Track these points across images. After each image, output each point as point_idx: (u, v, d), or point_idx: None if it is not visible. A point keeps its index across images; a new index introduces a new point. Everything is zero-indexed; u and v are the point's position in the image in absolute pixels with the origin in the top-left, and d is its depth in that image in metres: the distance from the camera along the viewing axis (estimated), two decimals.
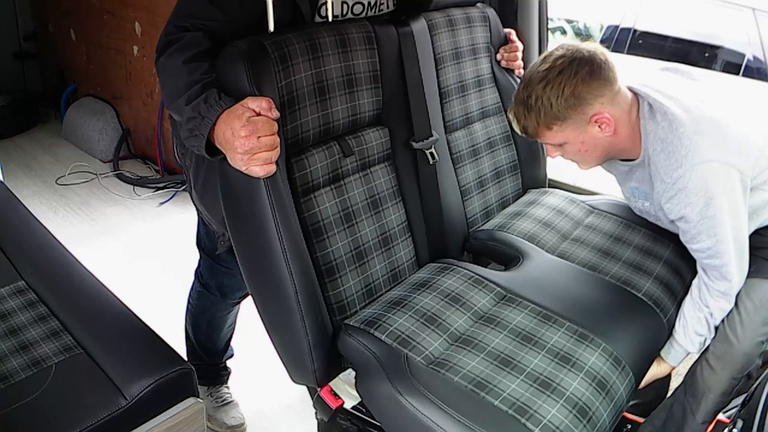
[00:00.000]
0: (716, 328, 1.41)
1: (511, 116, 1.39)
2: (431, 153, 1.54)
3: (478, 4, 1.80)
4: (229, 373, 1.94)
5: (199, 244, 1.68)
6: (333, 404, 1.38)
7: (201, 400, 1.34)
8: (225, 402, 1.90)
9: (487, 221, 1.76)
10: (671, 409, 1.49)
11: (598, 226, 1.68)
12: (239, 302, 1.77)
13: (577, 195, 1.84)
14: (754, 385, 1.29)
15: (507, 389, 1.18)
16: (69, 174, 3.46)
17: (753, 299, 1.37)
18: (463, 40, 1.70)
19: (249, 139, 1.12)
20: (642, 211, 1.53)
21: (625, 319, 1.39)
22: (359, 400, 1.53)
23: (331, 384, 1.38)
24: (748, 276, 1.38)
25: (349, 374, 1.37)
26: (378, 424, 1.40)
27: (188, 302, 1.82)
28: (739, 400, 1.41)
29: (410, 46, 1.53)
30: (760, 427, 1.10)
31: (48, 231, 1.83)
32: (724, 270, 1.33)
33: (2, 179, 2.41)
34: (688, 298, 1.44)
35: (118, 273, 2.12)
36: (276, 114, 1.16)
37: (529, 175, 1.89)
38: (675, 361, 1.45)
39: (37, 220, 1.89)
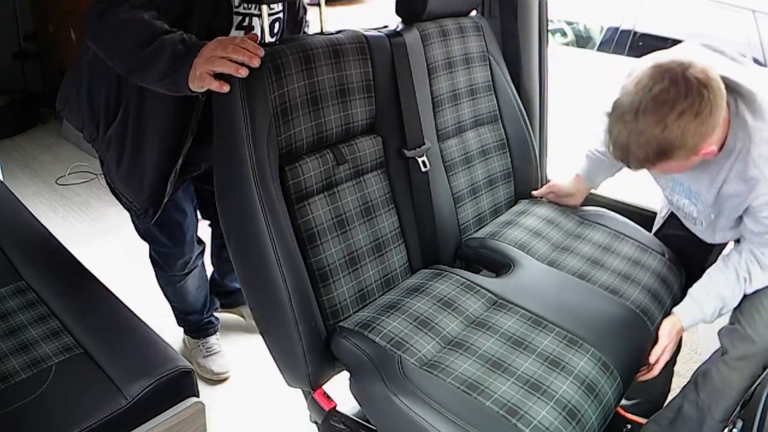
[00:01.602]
0: (739, 305, 1.40)
1: (612, 148, 1.24)
2: (423, 161, 1.57)
3: (471, 15, 1.83)
4: (217, 324, 2.14)
5: (136, 228, 1.84)
6: (326, 406, 1.40)
7: (201, 401, 1.34)
8: (214, 352, 2.09)
9: (480, 228, 1.78)
10: (681, 410, 1.48)
11: (588, 236, 1.71)
12: (187, 274, 1.94)
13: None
14: (754, 385, 1.30)
15: (498, 391, 1.21)
16: (69, 174, 3.46)
17: None
18: (456, 49, 1.72)
19: (217, 48, 1.19)
20: (678, 207, 1.51)
21: (613, 326, 1.42)
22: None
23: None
24: None
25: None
26: (371, 426, 1.41)
27: (157, 280, 2.02)
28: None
29: (403, 56, 1.55)
30: (760, 427, 1.11)
31: (48, 231, 1.83)
32: None
33: (2, 179, 2.42)
34: (716, 266, 1.43)
35: (118, 273, 2.12)
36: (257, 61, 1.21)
37: (523, 182, 1.90)
38: (687, 320, 1.43)
39: (37, 220, 1.89)
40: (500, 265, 1.61)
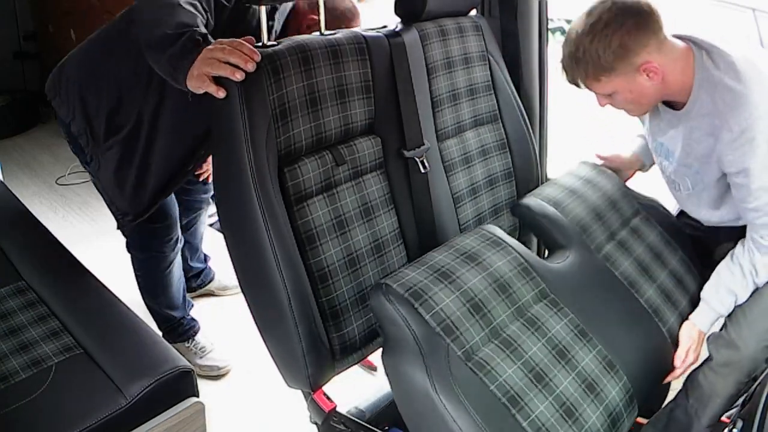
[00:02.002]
0: (754, 291, 1.40)
1: (561, 69, 1.41)
2: (422, 161, 1.56)
3: (471, 14, 1.82)
4: (198, 323, 2.20)
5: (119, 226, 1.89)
6: (326, 407, 1.40)
7: (201, 401, 1.34)
8: (208, 350, 2.15)
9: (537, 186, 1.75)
10: (673, 414, 1.49)
11: (643, 234, 1.65)
12: (174, 254, 2.02)
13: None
14: (754, 385, 1.30)
15: (536, 410, 1.17)
16: (69, 174, 3.46)
17: (760, 304, 1.39)
18: (455, 49, 1.72)
19: (215, 50, 1.21)
20: (662, 171, 1.54)
21: (647, 353, 1.42)
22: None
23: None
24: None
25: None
26: (371, 427, 1.41)
27: (137, 280, 2.06)
28: (739, 400, 1.41)
29: (402, 56, 1.55)
30: (760, 427, 1.11)
31: (48, 231, 1.83)
32: None
33: (2, 179, 2.42)
34: (723, 262, 1.44)
35: (118, 273, 2.12)
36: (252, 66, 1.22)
37: (525, 181, 1.90)
38: (703, 323, 1.45)
39: (37, 220, 1.89)
40: (556, 244, 1.54)
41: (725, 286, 1.41)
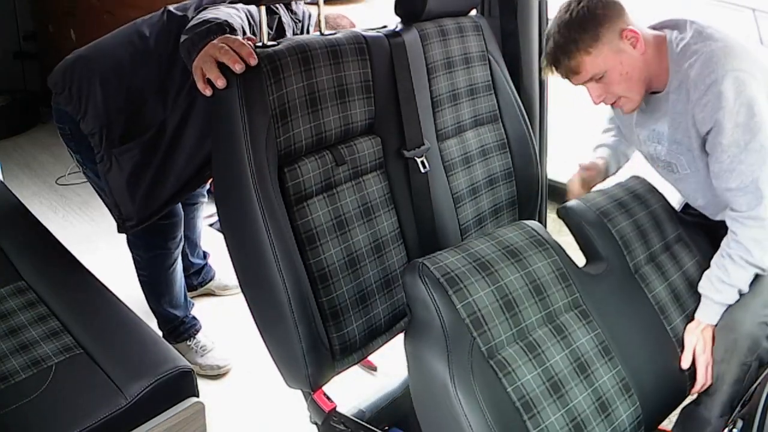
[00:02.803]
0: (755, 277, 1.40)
1: (546, 67, 1.44)
2: (423, 161, 1.57)
3: (471, 14, 1.82)
4: (199, 322, 2.21)
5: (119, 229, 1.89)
6: (326, 407, 1.40)
7: (201, 401, 1.34)
8: (209, 349, 2.16)
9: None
10: (686, 412, 1.48)
11: (681, 260, 1.60)
12: (178, 251, 2.04)
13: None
14: (754, 385, 1.29)
15: (547, 420, 1.15)
16: (69, 174, 3.46)
17: (753, 284, 1.41)
18: (456, 49, 1.72)
19: (212, 47, 1.24)
20: (653, 157, 1.54)
21: (665, 381, 1.40)
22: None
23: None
24: None
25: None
26: (371, 427, 1.41)
27: (141, 280, 2.08)
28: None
29: (402, 56, 1.55)
30: (760, 427, 1.11)
31: (48, 231, 1.84)
32: (759, 195, 1.34)
33: (2, 179, 2.41)
34: (714, 257, 1.45)
35: (118, 273, 2.12)
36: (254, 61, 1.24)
37: (525, 181, 1.90)
38: (708, 316, 1.43)
39: (37, 220, 1.89)
40: (595, 253, 1.48)
41: (720, 279, 1.42)
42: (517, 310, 1.22)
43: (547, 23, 1.99)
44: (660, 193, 1.65)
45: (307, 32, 1.88)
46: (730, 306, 1.42)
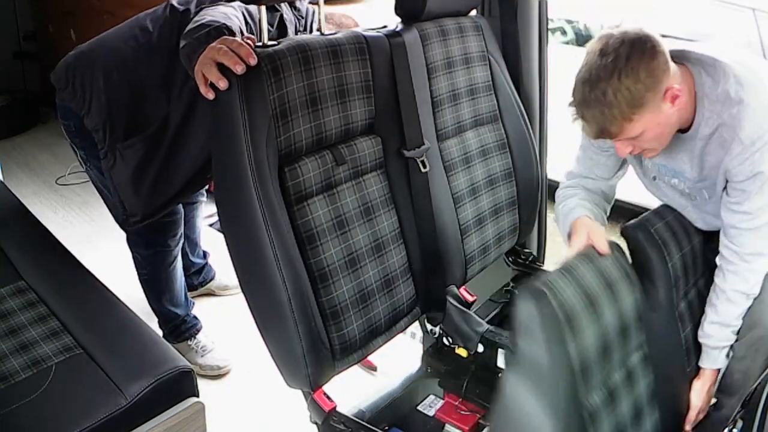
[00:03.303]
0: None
1: (582, 123, 1.29)
2: (423, 161, 1.56)
3: (471, 14, 1.83)
4: (200, 322, 2.21)
5: (119, 223, 1.90)
6: (326, 407, 1.40)
7: (201, 401, 1.34)
8: (209, 349, 2.16)
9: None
10: (715, 413, 1.48)
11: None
12: (172, 246, 2.03)
13: None
14: (754, 385, 1.29)
15: None
16: (69, 174, 3.46)
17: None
18: (456, 49, 1.72)
19: (212, 50, 1.24)
20: (666, 187, 1.49)
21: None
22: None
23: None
24: None
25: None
26: (372, 427, 1.41)
27: (141, 278, 2.08)
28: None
29: (402, 56, 1.55)
30: (760, 427, 1.11)
31: (48, 231, 1.84)
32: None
33: (2, 179, 2.42)
34: (708, 300, 1.42)
35: (118, 273, 2.12)
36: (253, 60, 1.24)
37: (525, 182, 1.90)
38: (714, 361, 1.41)
39: (37, 220, 1.89)
40: (647, 282, 1.37)
41: (714, 322, 1.39)
42: (609, 354, 1.15)
43: (547, 23, 2.00)
44: (696, 229, 1.53)
45: (311, 29, 1.88)
46: (763, 304, 1.37)
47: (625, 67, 1.20)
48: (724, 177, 1.34)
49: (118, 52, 1.74)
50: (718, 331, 1.40)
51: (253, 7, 1.61)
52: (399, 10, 1.64)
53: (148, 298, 2.09)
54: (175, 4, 1.73)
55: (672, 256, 1.39)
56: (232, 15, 1.53)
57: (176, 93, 1.69)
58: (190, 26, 1.48)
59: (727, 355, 1.42)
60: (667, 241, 1.41)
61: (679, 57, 1.31)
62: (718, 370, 1.43)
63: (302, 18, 1.83)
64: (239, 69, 1.20)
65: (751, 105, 1.26)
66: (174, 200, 1.83)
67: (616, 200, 1.66)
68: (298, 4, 1.80)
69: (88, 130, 1.75)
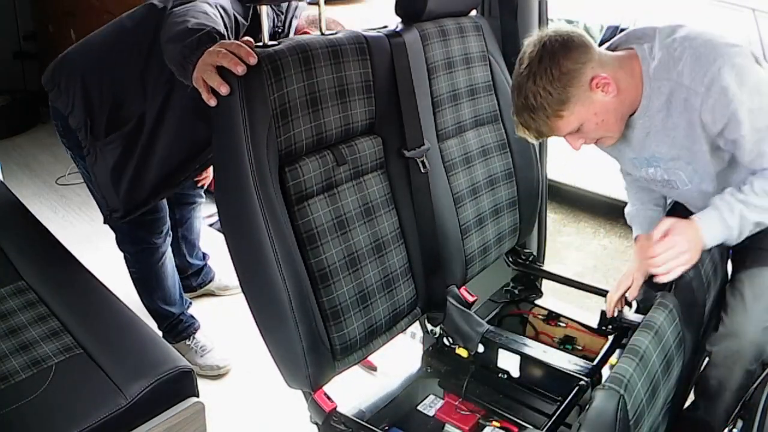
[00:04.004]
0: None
1: (520, 131, 1.35)
2: (423, 161, 1.56)
3: (471, 14, 1.83)
4: (198, 321, 2.20)
5: (104, 218, 1.91)
6: (327, 407, 1.40)
7: (201, 401, 1.34)
8: (208, 349, 2.16)
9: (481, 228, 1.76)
10: (689, 416, 1.47)
11: None
12: (158, 243, 2.02)
13: None
14: (754, 385, 1.29)
15: None
16: (69, 174, 3.46)
17: (754, 289, 1.37)
18: (456, 49, 1.72)
19: (211, 54, 1.23)
20: (649, 180, 1.47)
21: None
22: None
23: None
24: (748, 267, 1.38)
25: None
26: (372, 427, 1.41)
27: (132, 277, 2.08)
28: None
29: (402, 56, 1.55)
30: (760, 427, 1.11)
31: (48, 231, 1.84)
32: None
33: (2, 179, 2.42)
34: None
35: (118, 273, 2.12)
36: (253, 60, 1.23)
37: (525, 182, 1.90)
38: (705, 226, 1.28)
39: (37, 220, 1.89)
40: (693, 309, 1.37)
41: (735, 197, 1.28)
42: (658, 395, 1.17)
43: (547, 23, 2.00)
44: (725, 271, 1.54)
45: (290, 26, 1.88)
46: (735, 311, 1.36)
47: (538, 70, 1.26)
48: (705, 136, 1.30)
49: (99, 52, 1.77)
50: (734, 203, 1.28)
51: (226, 2, 1.61)
52: (399, 10, 1.64)
53: (141, 297, 2.09)
54: (156, 2, 1.72)
55: (705, 309, 1.39)
56: (212, 14, 1.52)
57: (151, 91, 1.70)
58: (175, 28, 1.45)
59: (719, 241, 1.29)
60: (706, 291, 1.39)
61: (626, 41, 1.36)
62: (701, 236, 1.28)
63: (282, 13, 1.83)
64: (240, 70, 1.20)
65: (693, 52, 1.25)
66: (153, 196, 1.83)
67: (612, 198, 1.69)
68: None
69: (73, 129, 1.76)
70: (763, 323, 1.36)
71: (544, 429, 1.39)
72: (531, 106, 1.27)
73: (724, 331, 1.39)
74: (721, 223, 1.28)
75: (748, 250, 1.42)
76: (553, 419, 1.42)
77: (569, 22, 4.14)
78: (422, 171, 1.57)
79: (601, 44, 1.36)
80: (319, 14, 1.46)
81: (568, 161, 3.05)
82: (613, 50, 1.37)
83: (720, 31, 1.31)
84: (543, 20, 1.97)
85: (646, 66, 1.30)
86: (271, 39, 1.35)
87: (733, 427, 1.24)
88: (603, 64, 1.29)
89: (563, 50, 1.26)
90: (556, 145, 2.18)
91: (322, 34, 1.44)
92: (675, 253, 1.25)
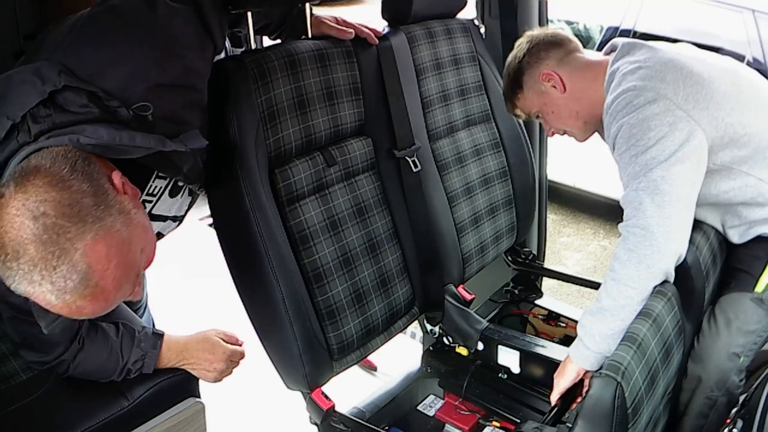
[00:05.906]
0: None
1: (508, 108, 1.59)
2: (414, 161, 1.57)
3: (468, 17, 1.84)
4: None
5: None
6: (324, 406, 1.40)
7: (201, 401, 1.34)
8: None
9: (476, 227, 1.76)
10: None
11: None
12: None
13: None
14: (754, 385, 1.29)
15: None
16: None
17: (728, 314, 1.33)
18: (444, 51, 1.74)
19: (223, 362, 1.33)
20: None
21: None
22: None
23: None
24: (727, 291, 1.36)
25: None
26: (371, 426, 1.41)
27: None
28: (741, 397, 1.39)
29: (389, 59, 1.57)
30: (760, 427, 1.11)
31: None
32: (642, 204, 1.20)
33: None
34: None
35: None
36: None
37: (521, 180, 1.91)
38: (574, 355, 1.28)
39: None
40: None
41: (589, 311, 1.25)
42: (657, 383, 1.17)
43: (547, 23, 2.00)
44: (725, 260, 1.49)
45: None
46: (704, 335, 1.33)
47: (512, 57, 1.53)
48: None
49: None
50: (581, 323, 1.25)
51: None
52: (385, 14, 1.66)
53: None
54: None
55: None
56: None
57: None
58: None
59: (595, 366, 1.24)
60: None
61: (611, 49, 1.45)
62: (577, 364, 1.27)
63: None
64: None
65: (624, 69, 1.32)
66: None
67: (612, 199, 1.68)
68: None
69: None
70: (732, 348, 1.32)
71: (544, 422, 1.36)
72: (504, 89, 1.58)
73: (692, 354, 1.35)
74: (579, 349, 1.26)
75: (737, 271, 1.40)
76: (552, 413, 1.37)
77: (569, 23, 4.14)
78: (414, 170, 1.57)
79: (601, 45, 1.37)
80: (309, 17, 1.46)
81: (568, 162, 3.05)
82: (608, 54, 1.44)
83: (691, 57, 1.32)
84: (543, 20, 1.98)
85: (607, 85, 1.37)
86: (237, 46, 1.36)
87: (734, 427, 1.24)
88: (563, 62, 1.46)
89: (533, 48, 1.49)
90: (556, 145, 2.19)
91: (308, 38, 1.45)
92: (566, 382, 1.30)
